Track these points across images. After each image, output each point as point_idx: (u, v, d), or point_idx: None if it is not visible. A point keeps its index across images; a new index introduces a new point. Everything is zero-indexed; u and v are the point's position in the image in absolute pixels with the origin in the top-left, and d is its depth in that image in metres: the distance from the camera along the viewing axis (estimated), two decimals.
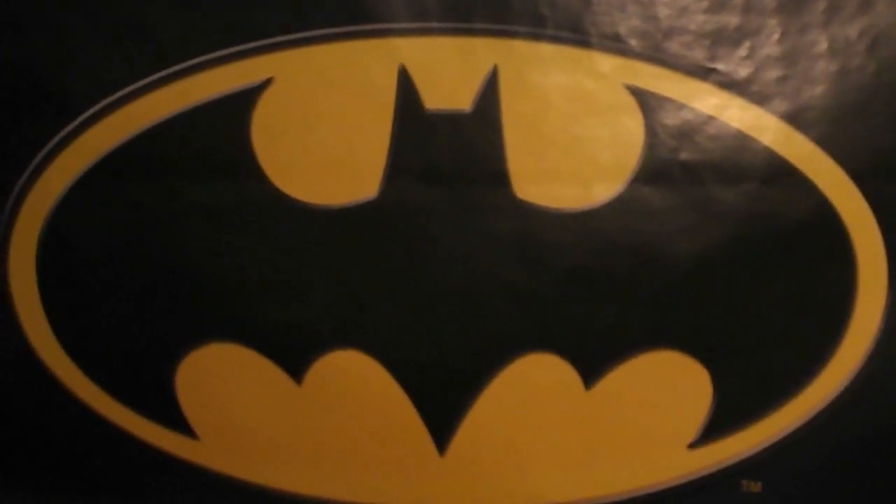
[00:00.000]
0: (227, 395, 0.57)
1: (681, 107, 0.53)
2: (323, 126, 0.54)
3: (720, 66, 0.53)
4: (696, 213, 0.54)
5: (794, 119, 0.53)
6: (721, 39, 0.53)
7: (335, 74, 0.54)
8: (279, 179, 0.55)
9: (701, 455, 0.56)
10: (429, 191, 0.55)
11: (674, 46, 0.53)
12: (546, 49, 0.53)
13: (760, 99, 0.53)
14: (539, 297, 0.55)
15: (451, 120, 0.54)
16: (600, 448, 0.57)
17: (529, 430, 0.56)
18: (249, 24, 0.54)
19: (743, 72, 0.53)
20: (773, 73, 0.53)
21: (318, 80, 0.54)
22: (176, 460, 0.58)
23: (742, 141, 0.53)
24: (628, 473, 0.57)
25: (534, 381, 0.56)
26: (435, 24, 0.53)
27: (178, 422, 0.58)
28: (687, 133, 0.53)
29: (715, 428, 0.56)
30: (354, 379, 0.56)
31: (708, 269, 0.54)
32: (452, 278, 0.55)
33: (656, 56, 0.53)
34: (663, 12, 0.53)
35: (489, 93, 0.54)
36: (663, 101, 0.53)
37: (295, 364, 0.57)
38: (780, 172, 0.53)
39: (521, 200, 0.54)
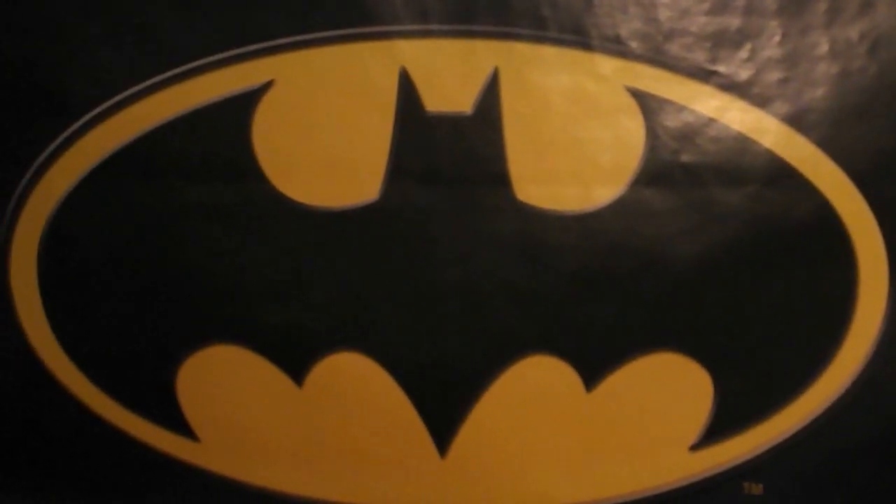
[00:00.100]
0: (228, 397, 0.57)
1: (682, 109, 0.53)
2: (324, 128, 0.55)
3: (721, 69, 0.53)
4: (696, 215, 0.54)
5: (795, 121, 0.53)
6: (722, 41, 0.53)
7: (336, 76, 0.54)
8: (280, 181, 0.55)
9: (702, 457, 0.56)
10: (429, 193, 0.55)
11: (675, 48, 0.53)
12: (547, 51, 0.53)
13: (761, 101, 0.53)
14: (540, 298, 0.55)
15: (452, 122, 0.54)
16: (601, 450, 0.57)
17: (530, 432, 0.56)
18: (251, 27, 0.54)
19: (744, 74, 0.53)
20: (774, 76, 0.53)
21: (319, 83, 0.54)
22: (177, 462, 0.58)
23: (743, 143, 0.53)
24: (629, 475, 0.57)
25: (535, 383, 0.56)
26: (436, 27, 0.54)
27: (179, 424, 0.58)
28: (688, 135, 0.53)
29: (716, 430, 0.56)
30: (355, 381, 0.56)
31: (709, 271, 0.54)
32: (453, 280, 0.55)
33: (657, 58, 0.53)
34: (664, 14, 0.53)
35: (490, 95, 0.54)
36: (664, 103, 0.53)
37: (296, 366, 0.57)
38: (781, 174, 0.53)
39: (521, 202, 0.54)
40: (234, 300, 0.56)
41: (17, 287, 0.57)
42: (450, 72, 0.54)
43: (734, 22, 0.53)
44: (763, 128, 0.53)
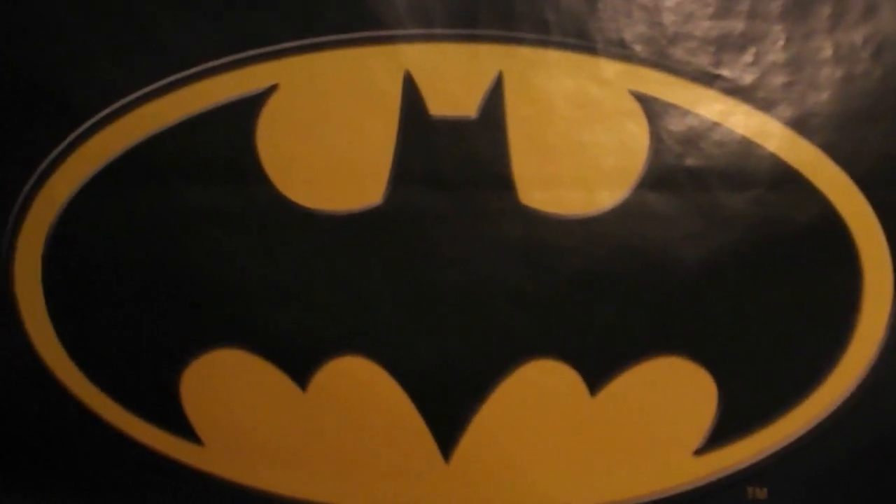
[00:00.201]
0: (232, 401, 0.57)
1: (686, 113, 0.53)
2: (328, 132, 0.55)
3: (725, 73, 0.53)
4: (701, 219, 0.54)
5: (800, 125, 0.53)
6: (726, 45, 0.53)
7: (340, 81, 0.54)
8: (284, 185, 0.55)
9: (707, 461, 0.56)
10: (434, 197, 0.55)
11: (679, 52, 0.53)
12: (551, 55, 0.53)
13: (765, 105, 0.53)
14: (544, 302, 0.55)
15: (456, 126, 0.54)
16: (606, 454, 0.56)
17: (535, 437, 0.56)
18: (255, 30, 0.54)
19: (748, 78, 0.53)
20: (779, 79, 0.53)
21: (323, 87, 0.54)
22: (180, 466, 0.58)
23: (747, 147, 0.53)
24: (634, 480, 0.57)
25: (539, 387, 0.56)
26: (440, 31, 0.54)
27: (182, 427, 0.58)
28: (692, 139, 0.53)
29: (721, 434, 0.56)
30: (359, 385, 0.56)
31: (713, 275, 0.54)
32: (457, 284, 0.55)
33: (661, 62, 0.53)
34: (668, 18, 0.53)
35: (494, 99, 0.54)
36: (668, 107, 0.53)
37: (300, 370, 0.56)
38: (786, 178, 0.53)
39: (526, 206, 0.54)
40: (238, 304, 0.56)
41: (22, 291, 0.57)
42: (454, 76, 0.54)
43: (738, 26, 0.53)
44: (767, 131, 0.53)
